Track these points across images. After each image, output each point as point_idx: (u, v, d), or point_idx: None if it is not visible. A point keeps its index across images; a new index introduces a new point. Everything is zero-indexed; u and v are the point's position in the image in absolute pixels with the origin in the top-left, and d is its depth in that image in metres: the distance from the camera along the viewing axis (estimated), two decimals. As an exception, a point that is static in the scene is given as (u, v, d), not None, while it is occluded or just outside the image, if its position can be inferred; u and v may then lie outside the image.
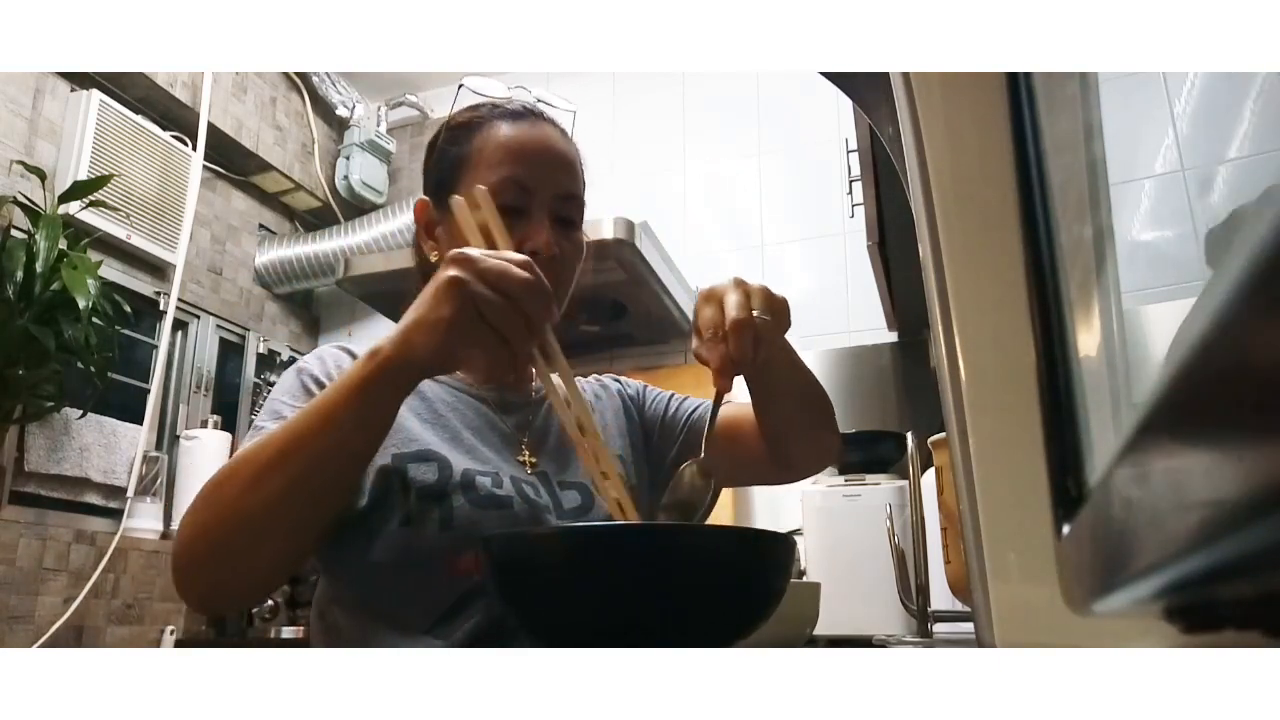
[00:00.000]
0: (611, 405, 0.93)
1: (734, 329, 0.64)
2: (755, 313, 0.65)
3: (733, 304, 0.65)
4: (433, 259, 0.82)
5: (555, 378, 0.67)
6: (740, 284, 0.68)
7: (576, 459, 0.86)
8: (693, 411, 0.93)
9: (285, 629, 1.96)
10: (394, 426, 0.73)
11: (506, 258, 0.60)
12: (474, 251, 0.60)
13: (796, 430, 0.82)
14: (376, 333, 2.69)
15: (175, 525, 2.23)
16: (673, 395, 0.96)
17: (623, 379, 0.99)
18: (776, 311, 0.68)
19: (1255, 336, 0.10)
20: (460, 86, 0.88)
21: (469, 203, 0.70)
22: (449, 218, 0.77)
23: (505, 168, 0.78)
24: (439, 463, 0.73)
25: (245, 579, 0.64)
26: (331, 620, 0.74)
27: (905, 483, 1.63)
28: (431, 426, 0.77)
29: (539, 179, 0.79)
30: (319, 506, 0.63)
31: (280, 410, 0.71)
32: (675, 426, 0.92)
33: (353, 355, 0.78)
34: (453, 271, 0.58)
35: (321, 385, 0.73)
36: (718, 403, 0.72)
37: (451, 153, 0.82)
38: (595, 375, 0.98)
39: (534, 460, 0.80)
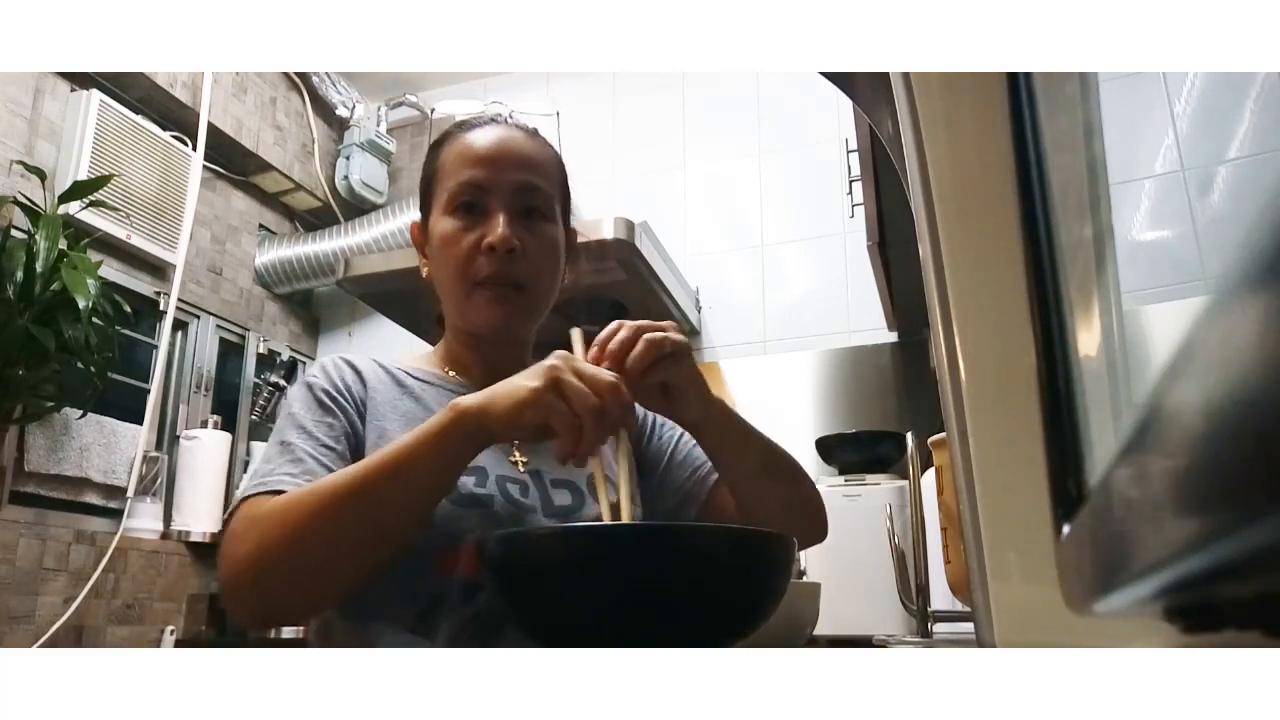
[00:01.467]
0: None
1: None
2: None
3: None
4: (424, 274, 0.88)
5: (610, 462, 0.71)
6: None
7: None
8: (699, 466, 0.89)
9: (285, 629, 1.95)
10: (381, 437, 0.77)
11: (600, 371, 0.66)
12: (574, 356, 0.68)
13: (755, 492, 0.80)
14: (377, 333, 2.71)
15: (175, 525, 2.24)
16: (683, 436, 0.91)
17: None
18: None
19: (1258, 336, 0.10)
20: (432, 110, 0.93)
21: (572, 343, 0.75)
22: (435, 238, 0.85)
23: (464, 172, 0.82)
24: None
25: (305, 600, 0.68)
26: (326, 614, 0.76)
27: (905, 483, 1.63)
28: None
29: (493, 175, 0.82)
30: (386, 541, 0.67)
31: (304, 424, 0.75)
32: (681, 475, 0.89)
33: (352, 365, 0.82)
34: (551, 361, 0.65)
35: (331, 396, 0.77)
36: None
37: (425, 172, 0.88)
38: None
39: (525, 460, 0.81)
